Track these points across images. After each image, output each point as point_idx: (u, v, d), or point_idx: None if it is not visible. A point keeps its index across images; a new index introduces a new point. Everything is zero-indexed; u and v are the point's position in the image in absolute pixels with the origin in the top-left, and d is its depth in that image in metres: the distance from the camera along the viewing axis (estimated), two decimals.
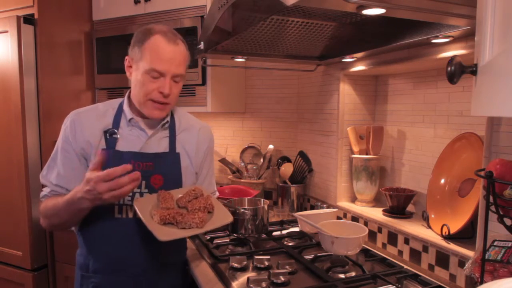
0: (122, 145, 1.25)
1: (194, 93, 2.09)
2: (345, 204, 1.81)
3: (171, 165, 1.30)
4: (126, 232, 1.23)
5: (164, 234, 1.10)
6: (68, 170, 1.22)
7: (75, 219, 1.20)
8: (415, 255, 1.38)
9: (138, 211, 1.14)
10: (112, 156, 1.21)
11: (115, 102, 1.33)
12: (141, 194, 1.23)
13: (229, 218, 1.23)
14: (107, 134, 1.24)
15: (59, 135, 1.27)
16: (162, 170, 1.27)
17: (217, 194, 1.52)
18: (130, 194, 1.22)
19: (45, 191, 1.27)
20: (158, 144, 1.30)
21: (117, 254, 1.23)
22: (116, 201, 1.17)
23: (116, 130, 1.25)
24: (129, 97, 1.30)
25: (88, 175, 1.05)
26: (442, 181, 1.41)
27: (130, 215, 1.23)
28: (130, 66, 1.26)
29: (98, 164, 1.08)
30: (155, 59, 1.18)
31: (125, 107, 1.29)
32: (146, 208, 1.17)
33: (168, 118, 1.33)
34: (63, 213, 1.16)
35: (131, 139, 1.27)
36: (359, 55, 1.58)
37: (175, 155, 1.31)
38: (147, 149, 1.27)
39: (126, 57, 1.27)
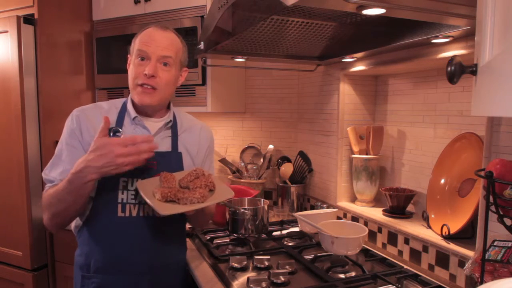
0: None
1: (194, 93, 2.09)
2: (345, 204, 1.81)
3: (173, 164, 1.31)
4: (129, 231, 1.23)
5: (165, 209, 1.10)
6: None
7: (77, 201, 1.15)
8: (415, 255, 1.38)
9: (140, 190, 1.15)
10: None
11: (118, 101, 1.34)
12: None
13: (230, 194, 1.23)
14: (111, 132, 1.24)
15: (63, 132, 1.26)
16: (165, 169, 1.27)
17: None
18: (133, 192, 1.22)
19: (48, 186, 1.26)
20: (161, 143, 1.31)
21: (119, 253, 1.23)
22: (125, 170, 1.11)
23: (120, 129, 1.25)
24: None
25: (104, 140, 1.06)
26: (442, 181, 1.41)
27: (134, 213, 1.23)
28: (129, 64, 1.30)
29: (105, 130, 1.10)
30: (141, 42, 1.25)
31: (129, 105, 1.30)
32: (148, 189, 1.18)
33: (171, 117, 1.34)
34: (65, 194, 1.13)
35: None
36: (359, 55, 1.58)
37: (178, 154, 1.32)
38: None
39: (128, 56, 1.31)
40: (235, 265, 1.31)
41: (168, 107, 1.38)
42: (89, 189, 1.14)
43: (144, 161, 1.12)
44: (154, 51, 1.23)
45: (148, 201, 1.11)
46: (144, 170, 1.23)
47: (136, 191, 1.20)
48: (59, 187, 1.15)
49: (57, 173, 1.23)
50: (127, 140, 1.06)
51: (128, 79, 1.28)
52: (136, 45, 1.26)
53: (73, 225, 1.30)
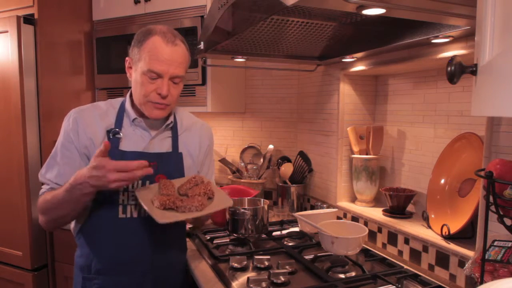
0: (125, 145, 1.25)
1: (194, 93, 2.09)
2: (345, 204, 1.81)
3: (174, 164, 1.30)
4: (130, 232, 1.23)
5: (163, 217, 1.10)
6: (69, 168, 1.21)
7: (76, 208, 1.16)
8: (415, 255, 1.38)
9: (139, 198, 1.15)
10: (116, 155, 1.21)
11: (116, 101, 1.32)
12: None
13: (229, 202, 1.23)
14: (110, 134, 1.24)
15: (60, 133, 1.26)
16: (165, 170, 1.27)
17: None
18: (134, 193, 1.22)
19: (44, 188, 1.26)
20: (161, 144, 1.30)
21: (120, 254, 1.23)
22: (121, 188, 1.17)
23: (119, 130, 1.25)
24: (131, 96, 1.30)
25: (101, 162, 1.04)
26: (442, 181, 1.41)
27: (135, 215, 1.23)
28: (130, 67, 1.26)
29: (104, 153, 1.07)
30: (152, 60, 1.17)
31: (128, 106, 1.29)
32: (147, 196, 1.17)
33: (172, 119, 1.33)
34: (64, 203, 1.14)
35: (134, 138, 1.27)
36: (359, 55, 1.58)
37: (178, 155, 1.32)
38: (150, 149, 1.27)
39: (127, 58, 1.27)
40: (235, 265, 1.31)
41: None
42: (88, 198, 1.14)
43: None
44: (166, 71, 1.18)
45: (146, 208, 1.11)
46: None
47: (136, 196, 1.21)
48: (57, 195, 1.15)
49: (52, 175, 1.23)
50: (121, 167, 1.05)
51: (136, 92, 1.24)
52: (144, 61, 1.18)
53: (72, 225, 1.30)
